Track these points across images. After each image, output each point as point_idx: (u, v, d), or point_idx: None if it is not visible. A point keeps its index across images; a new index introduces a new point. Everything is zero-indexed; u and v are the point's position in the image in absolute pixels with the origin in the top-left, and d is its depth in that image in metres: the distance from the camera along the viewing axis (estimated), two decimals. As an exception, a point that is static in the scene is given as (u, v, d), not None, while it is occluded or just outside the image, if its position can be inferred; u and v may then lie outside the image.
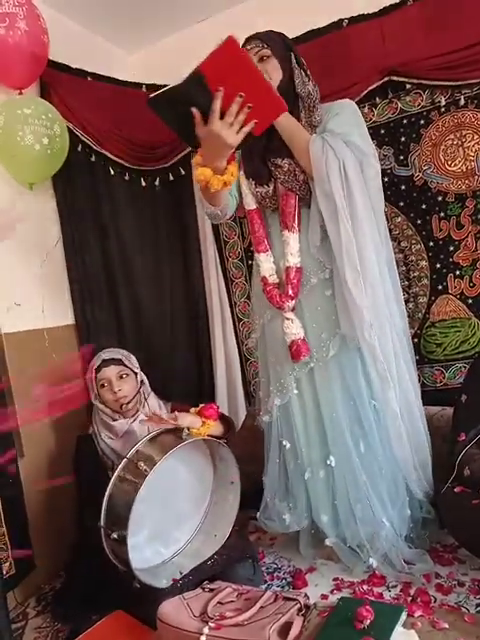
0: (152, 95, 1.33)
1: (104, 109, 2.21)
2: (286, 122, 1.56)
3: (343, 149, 1.53)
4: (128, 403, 1.74)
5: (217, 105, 1.28)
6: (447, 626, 1.16)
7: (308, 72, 1.65)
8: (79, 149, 2.15)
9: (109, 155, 2.21)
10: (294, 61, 1.60)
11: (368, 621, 1.16)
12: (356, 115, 1.65)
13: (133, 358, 1.85)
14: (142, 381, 1.82)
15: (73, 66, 2.16)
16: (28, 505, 1.82)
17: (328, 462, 1.65)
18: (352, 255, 1.52)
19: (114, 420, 1.75)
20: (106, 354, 1.80)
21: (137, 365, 1.84)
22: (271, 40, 1.60)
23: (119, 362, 1.78)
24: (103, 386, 1.75)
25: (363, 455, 1.61)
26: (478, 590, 1.42)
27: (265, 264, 1.69)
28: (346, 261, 1.52)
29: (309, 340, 1.65)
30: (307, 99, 1.61)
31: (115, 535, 1.38)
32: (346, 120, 1.60)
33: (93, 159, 2.21)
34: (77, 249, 2.15)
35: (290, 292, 1.63)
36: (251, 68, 1.30)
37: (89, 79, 2.21)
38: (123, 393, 1.74)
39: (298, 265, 1.63)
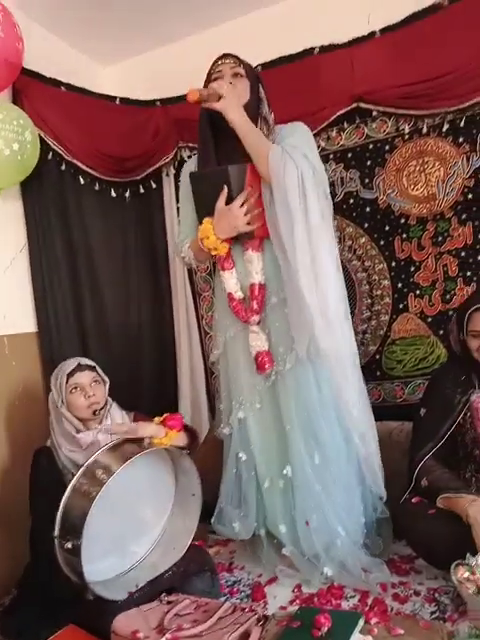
0: (198, 172, 1.72)
1: (76, 119, 2.21)
2: (248, 128, 1.63)
3: (301, 160, 1.61)
4: (100, 410, 1.71)
5: (244, 196, 1.61)
6: (402, 632, 1.17)
7: (269, 103, 1.76)
8: (49, 157, 2.14)
9: (80, 165, 2.21)
10: (262, 91, 1.73)
11: (326, 628, 1.16)
12: (308, 135, 1.75)
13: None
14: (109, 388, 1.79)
15: (47, 75, 2.16)
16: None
17: (284, 472, 1.67)
18: (306, 261, 1.58)
19: (78, 432, 1.71)
20: (78, 360, 1.77)
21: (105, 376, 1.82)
22: (245, 64, 1.73)
23: (93, 369, 1.76)
24: (74, 391, 1.70)
25: (317, 466, 1.65)
26: (433, 599, 1.44)
27: (230, 281, 1.75)
28: (300, 270, 1.57)
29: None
30: (268, 124, 1.72)
31: (69, 545, 1.33)
32: (300, 138, 1.69)
33: (63, 168, 2.20)
34: (42, 256, 2.12)
35: (255, 307, 1.70)
36: None
37: (63, 89, 2.21)
38: (96, 399, 1.70)
39: (262, 282, 1.71)
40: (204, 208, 1.69)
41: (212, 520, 1.79)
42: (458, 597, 1.37)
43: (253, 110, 1.68)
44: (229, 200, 1.62)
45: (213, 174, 1.67)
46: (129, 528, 1.59)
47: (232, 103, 1.58)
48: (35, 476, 1.71)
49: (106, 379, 1.80)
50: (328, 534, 1.61)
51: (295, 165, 1.58)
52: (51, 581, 1.49)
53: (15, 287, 2.06)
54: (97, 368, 1.78)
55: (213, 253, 1.70)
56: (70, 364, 1.74)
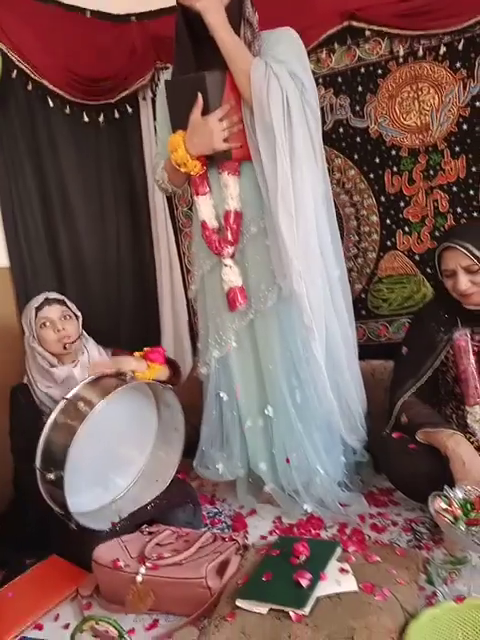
0: (173, 79, 1.56)
1: (43, 34, 2.01)
2: (229, 39, 1.47)
3: (287, 79, 1.46)
4: (72, 343, 1.67)
5: (224, 109, 1.47)
6: (379, 559, 1.20)
7: (252, 2, 1.57)
8: (14, 76, 1.97)
9: (48, 85, 2.03)
10: None
11: (304, 557, 1.19)
12: (298, 44, 1.57)
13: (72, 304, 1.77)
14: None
15: (9, -19, 1.95)
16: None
17: (265, 412, 1.66)
18: (287, 196, 1.45)
19: (53, 366, 1.68)
20: (48, 294, 1.72)
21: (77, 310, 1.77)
22: None
23: (62, 303, 1.72)
24: (43, 326, 1.66)
25: (299, 405, 1.62)
26: (410, 528, 1.48)
27: (204, 208, 1.62)
28: (280, 203, 1.45)
29: (249, 291, 1.62)
30: (253, 28, 1.53)
31: (51, 476, 1.34)
32: (288, 49, 1.52)
33: (30, 88, 2.03)
34: (11, 185, 2.00)
35: (229, 237, 1.58)
36: None
37: (27, -2, 2.00)
38: (67, 333, 1.67)
39: (238, 210, 1.57)
40: (179, 121, 1.53)
41: (194, 463, 1.77)
42: (435, 527, 1.40)
43: (235, 11, 1.50)
44: (205, 112, 1.47)
45: (188, 81, 1.50)
46: (112, 461, 1.60)
47: (213, 4, 1.42)
48: (13, 413, 1.70)
49: (78, 314, 1.75)
50: (307, 472, 1.62)
51: (279, 85, 1.43)
52: (34, 512, 1.51)
53: (-17, 219, 1.95)
54: (67, 302, 1.73)
55: (182, 170, 1.55)
56: (38, 299, 1.69)
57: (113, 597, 1.29)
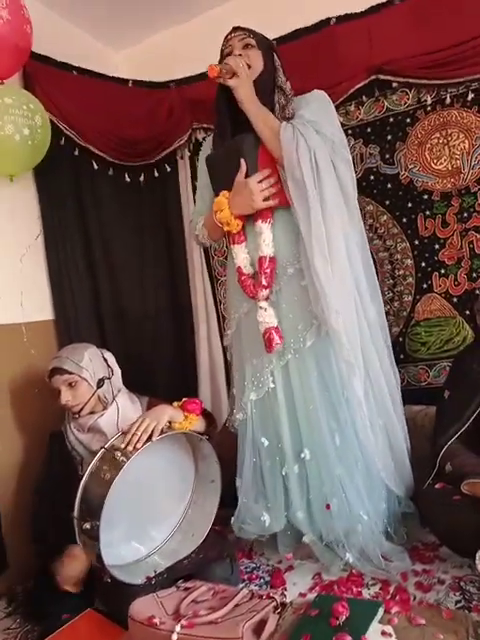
0: (212, 153, 1.73)
1: (89, 103, 2.19)
2: (256, 109, 1.61)
3: (314, 138, 1.56)
4: (80, 410, 1.70)
5: (263, 173, 1.60)
6: (424, 622, 1.13)
7: (285, 72, 1.73)
8: (62, 142, 2.12)
9: (93, 149, 2.19)
10: (277, 60, 1.70)
11: (344, 617, 1.13)
12: (327, 104, 1.70)
13: (86, 358, 1.70)
14: (101, 380, 1.70)
15: (58, 59, 2.14)
16: (1, 504, 1.77)
17: (302, 456, 1.62)
18: (321, 241, 1.53)
19: (76, 415, 1.72)
20: (56, 361, 1.71)
21: (95, 364, 1.72)
22: (256, 35, 1.70)
23: (65, 371, 1.68)
24: (57, 393, 1.71)
25: (339, 448, 1.59)
26: (458, 587, 1.39)
27: (240, 254, 1.70)
28: (315, 247, 1.53)
29: (286, 331, 1.64)
30: (286, 94, 1.68)
31: (87, 525, 1.34)
32: (317, 109, 1.65)
33: (76, 153, 2.18)
34: (58, 243, 2.12)
35: (263, 281, 1.63)
36: None
37: (74, 73, 2.19)
38: (71, 403, 1.69)
39: (271, 255, 1.63)
40: (220, 185, 1.67)
41: (232, 521, 1.71)
42: (485, 586, 1.32)
43: (268, 80, 1.66)
44: (240, 165, 1.60)
45: (226, 149, 1.67)
46: (149, 514, 1.59)
47: (244, 82, 1.59)
48: (48, 458, 1.75)
49: (87, 374, 1.69)
50: (349, 519, 1.56)
51: (306, 144, 1.54)
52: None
53: (31, 275, 2.06)
54: (72, 368, 1.68)
55: (225, 228, 1.65)
56: (49, 366, 1.72)
57: (149, 656, 1.25)
